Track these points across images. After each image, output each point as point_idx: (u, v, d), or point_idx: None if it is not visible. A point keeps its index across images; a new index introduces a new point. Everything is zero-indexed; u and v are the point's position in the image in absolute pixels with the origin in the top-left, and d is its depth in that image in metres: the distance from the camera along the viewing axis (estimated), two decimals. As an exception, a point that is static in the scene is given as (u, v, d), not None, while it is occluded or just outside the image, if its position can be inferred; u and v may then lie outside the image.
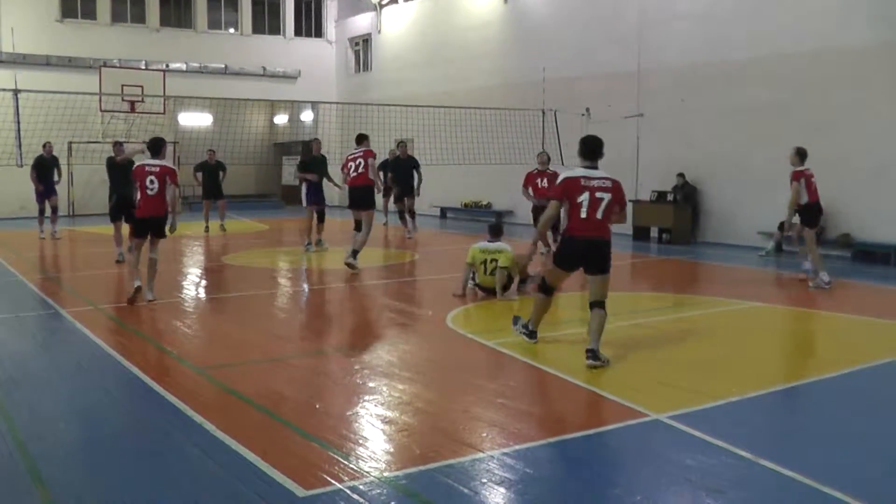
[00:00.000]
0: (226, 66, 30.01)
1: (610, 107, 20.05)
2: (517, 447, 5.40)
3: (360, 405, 6.41)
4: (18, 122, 15.47)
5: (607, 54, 20.86)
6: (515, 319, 8.70)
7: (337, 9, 32.79)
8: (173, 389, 6.73)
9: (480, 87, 24.72)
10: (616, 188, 7.82)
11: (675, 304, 11.42)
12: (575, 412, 6.39)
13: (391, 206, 21.40)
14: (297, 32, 32.42)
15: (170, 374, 7.55)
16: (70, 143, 23.14)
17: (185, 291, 12.35)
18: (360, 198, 13.95)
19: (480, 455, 5.24)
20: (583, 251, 7.77)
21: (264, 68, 30.79)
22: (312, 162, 16.60)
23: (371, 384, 7.01)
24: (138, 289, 10.46)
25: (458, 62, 26.20)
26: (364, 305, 11.63)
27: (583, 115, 19.42)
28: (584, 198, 7.65)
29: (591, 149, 7.93)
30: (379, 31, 30.34)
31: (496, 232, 11.50)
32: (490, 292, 11.14)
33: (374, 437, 5.67)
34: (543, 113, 20.34)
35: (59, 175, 18.23)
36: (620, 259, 15.98)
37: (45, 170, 17.54)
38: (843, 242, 16.13)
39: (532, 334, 8.40)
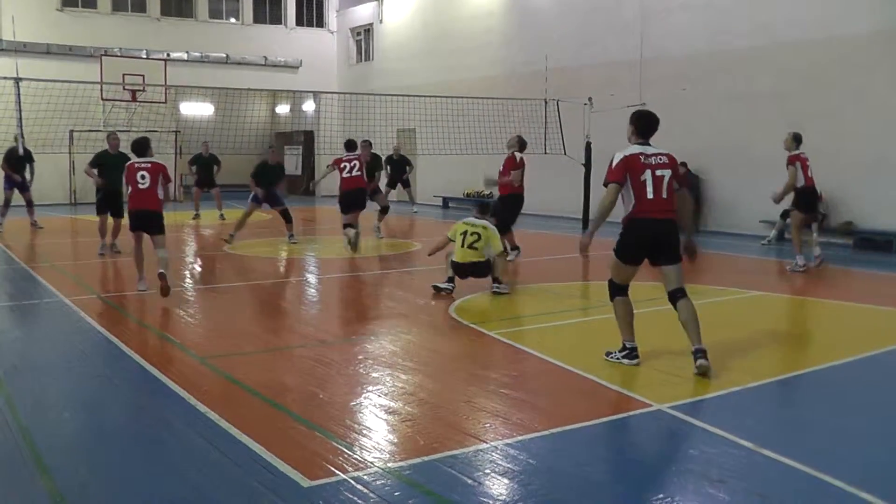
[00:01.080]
0: (227, 56, 29.99)
1: (612, 96, 19.99)
2: (520, 438, 5.41)
3: (364, 395, 6.42)
4: (20, 111, 15.44)
5: (609, 44, 20.84)
6: (608, 352, 7.44)
7: (338, -2, 32.77)
8: (176, 378, 6.75)
9: (482, 77, 24.68)
10: (672, 162, 7.19)
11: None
12: (578, 402, 6.39)
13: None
14: (299, 22, 32.39)
15: (173, 363, 7.55)
16: (71, 131, 23.12)
17: (187, 281, 12.36)
18: (356, 199, 14.72)
19: (484, 445, 5.25)
20: (657, 234, 7.04)
21: (265, 58, 30.78)
22: (264, 172, 16.34)
23: (374, 374, 7.01)
24: (161, 275, 10.18)
25: (460, 52, 26.16)
26: (367, 295, 11.64)
27: (585, 104, 19.38)
28: (646, 176, 6.97)
29: (649, 125, 7.23)
30: (381, 21, 30.29)
31: (483, 210, 11.38)
32: (464, 271, 10.87)
33: (378, 427, 5.68)
34: (546, 102, 20.28)
35: (32, 173, 17.81)
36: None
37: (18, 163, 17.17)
38: (844, 230, 16.14)
39: (632, 353, 7.30)
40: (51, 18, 27.07)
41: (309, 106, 32.45)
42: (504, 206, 13.21)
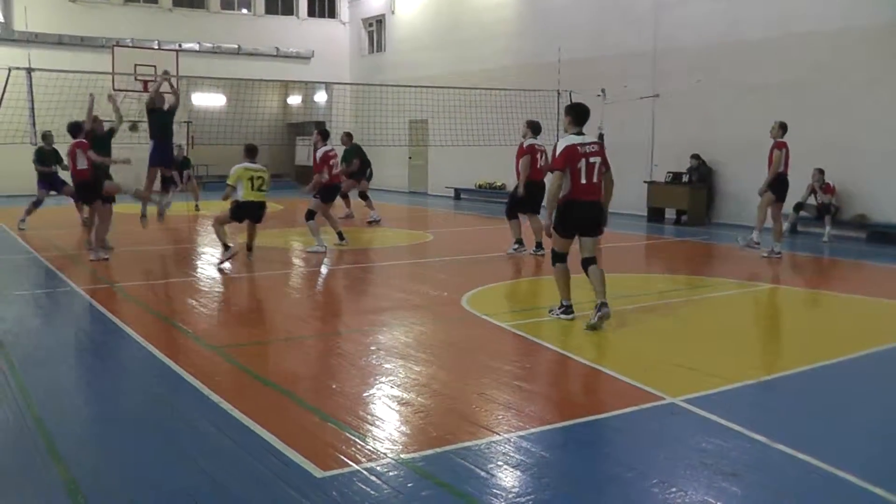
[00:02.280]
0: (239, 47, 29.98)
1: (626, 87, 19.95)
2: (533, 430, 5.40)
3: (376, 386, 6.42)
4: (32, 101, 15.48)
5: (623, 35, 20.76)
6: (550, 309, 8.85)
7: (351, -11, 32.74)
8: (189, 368, 6.76)
9: (495, 68, 24.62)
10: (601, 150, 8.42)
11: (690, 286, 11.38)
12: (590, 395, 6.38)
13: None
14: (311, 13, 32.36)
15: (185, 352, 7.57)
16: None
17: (199, 270, 12.39)
18: (335, 191, 14.73)
19: (496, 437, 5.24)
20: (587, 213, 8.33)
21: (277, 49, 30.76)
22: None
23: (387, 365, 7.01)
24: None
25: (472, 43, 26.10)
26: (379, 286, 11.63)
27: (598, 95, 19.31)
28: (581, 164, 8.21)
29: (582, 115, 8.48)
30: (393, 12, 30.24)
31: (252, 153, 12.46)
32: (249, 211, 12.21)
33: (391, 418, 5.68)
34: (559, 94, 20.22)
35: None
36: (635, 240, 16.03)
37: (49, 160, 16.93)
38: (858, 223, 16.06)
39: (568, 309, 8.64)
40: (63, 9, 27.10)
41: (321, 97, 32.44)
42: (526, 194, 13.10)
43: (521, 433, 5.33)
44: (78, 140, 12.54)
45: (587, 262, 8.45)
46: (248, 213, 12.38)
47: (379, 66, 30.73)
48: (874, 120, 15.81)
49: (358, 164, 18.53)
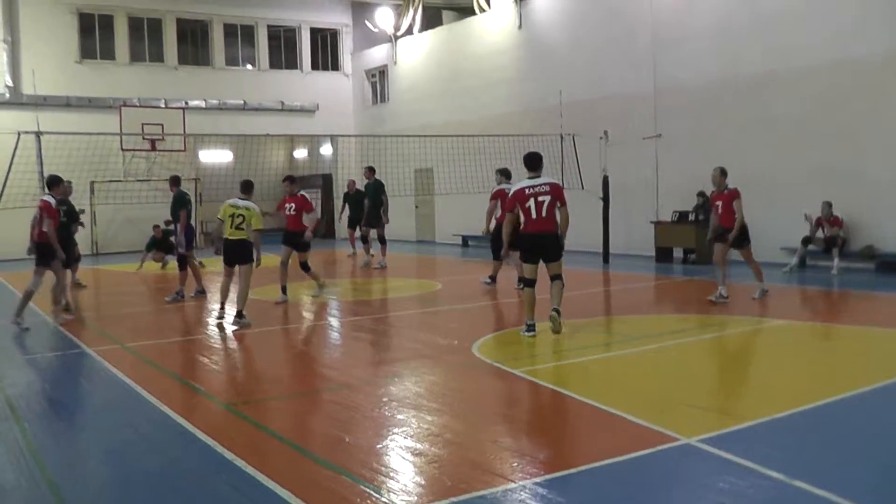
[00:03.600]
0: (244, 102, 30.28)
1: (628, 128, 20.06)
2: (548, 476, 5.38)
3: (389, 437, 6.41)
4: (41, 164, 15.60)
5: (623, 76, 20.92)
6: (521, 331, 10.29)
7: (353, 42, 33.09)
8: (202, 426, 6.75)
9: (497, 114, 24.79)
10: (554, 188, 10.05)
11: (701, 325, 11.35)
12: (605, 438, 6.35)
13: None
14: (314, 66, 32.71)
15: (198, 410, 7.57)
16: (92, 182, 23.37)
17: (208, 328, 12.41)
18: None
19: (511, 485, 5.22)
20: (538, 243, 10.00)
21: (282, 103, 31.05)
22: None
23: (399, 416, 7.00)
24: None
25: (474, 90, 26.31)
26: (389, 337, 11.62)
27: (601, 138, 19.43)
28: (530, 203, 9.91)
29: (533, 162, 10.26)
30: (395, 63, 30.55)
31: (244, 188, 12.37)
32: (231, 250, 12.00)
33: (405, 469, 5.66)
34: (562, 137, 20.35)
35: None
36: (644, 281, 16.03)
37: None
38: (866, 255, 16.02)
39: (530, 328, 10.13)
40: (70, 71, 27.45)
41: (326, 149, 32.67)
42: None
43: (537, 480, 5.30)
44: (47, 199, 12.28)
45: (553, 279, 10.20)
46: (227, 252, 12.13)
47: (383, 117, 30.99)
48: (878, 150, 15.86)
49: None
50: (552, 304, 10.13)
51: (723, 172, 12.89)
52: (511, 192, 10.25)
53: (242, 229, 11.97)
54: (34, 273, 12.27)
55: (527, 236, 10.10)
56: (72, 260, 14.73)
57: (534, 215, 9.94)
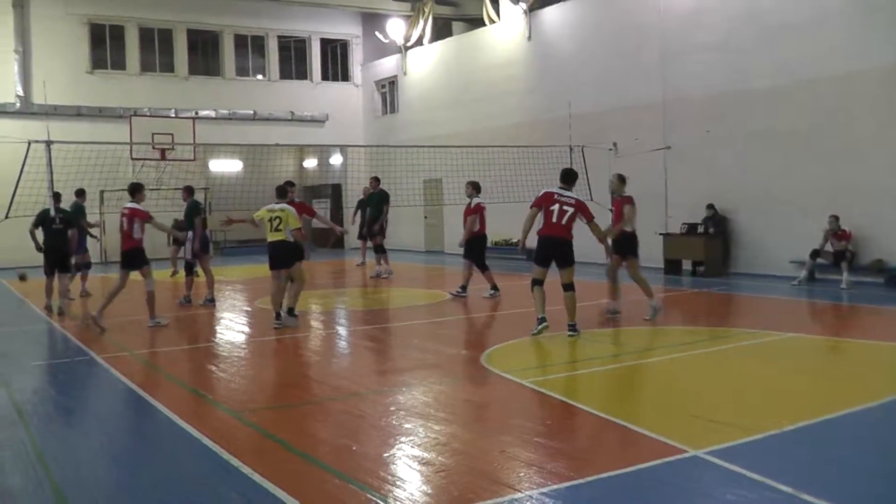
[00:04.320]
0: (254, 112, 30.37)
1: (637, 140, 20.06)
2: (555, 486, 5.36)
3: (397, 447, 6.40)
4: (51, 173, 15.64)
5: (631, 87, 20.92)
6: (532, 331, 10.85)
7: (363, 52, 33.19)
8: (210, 433, 6.75)
9: (507, 125, 24.82)
10: (578, 204, 10.77)
11: (710, 338, 11.31)
12: (613, 450, 6.33)
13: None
14: (324, 77, 32.80)
15: (205, 418, 7.57)
16: (102, 191, 23.41)
17: (218, 335, 12.42)
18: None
19: (518, 495, 5.21)
20: (550, 245, 10.67)
21: (292, 113, 31.13)
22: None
23: (407, 425, 7.00)
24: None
25: (483, 101, 26.35)
26: (398, 346, 11.62)
27: (610, 149, 19.44)
28: (554, 207, 10.62)
29: (568, 177, 11.10)
30: (405, 73, 30.61)
31: (279, 193, 12.78)
32: (274, 251, 12.38)
33: (412, 478, 5.65)
34: (571, 149, 20.34)
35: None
36: (654, 293, 15.97)
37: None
38: (875, 268, 15.95)
39: (541, 321, 10.73)
40: (81, 81, 27.57)
41: (336, 159, 32.74)
42: (472, 247, 15.67)
43: (544, 490, 5.29)
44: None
45: (565, 288, 10.76)
46: (271, 256, 12.54)
47: (392, 127, 31.03)
48: (886, 163, 15.80)
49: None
50: (568, 318, 10.74)
51: (620, 178, 12.74)
52: (542, 193, 10.94)
53: (280, 230, 12.33)
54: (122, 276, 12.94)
55: (542, 238, 10.81)
56: (69, 266, 15.28)
57: (553, 219, 10.62)
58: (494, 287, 15.41)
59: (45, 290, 14.86)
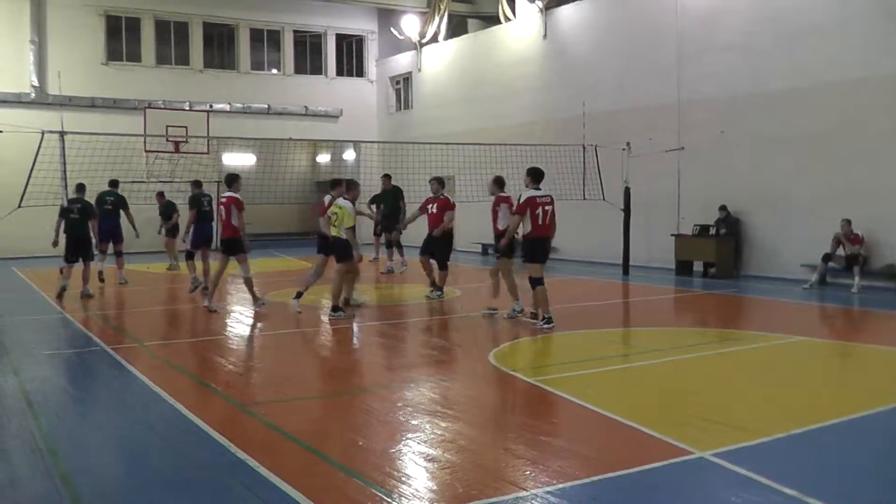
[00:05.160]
0: (268, 106, 30.39)
1: (651, 140, 19.99)
2: (560, 485, 5.36)
3: (403, 442, 6.41)
4: (64, 163, 15.69)
5: (647, 88, 20.85)
6: (536, 325, 11.57)
7: (378, 48, 33.16)
8: (217, 426, 6.78)
9: (521, 123, 24.77)
10: (552, 201, 11.66)
11: (720, 339, 11.30)
12: (618, 450, 6.33)
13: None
14: (339, 72, 32.78)
15: (213, 410, 7.60)
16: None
17: (228, 329, 12.45)
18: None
19: (523, 493, 5.21)
20: (544, 245, 11.65)
21: (306, 108, 31.14)
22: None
23: (414, 421, 7.00)
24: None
25: (498, 99, 26.31)
26: (406, 342, 11.64)
27: (623, 149, 19.38)
28: (539, 211, 11.39)
29: (539, 175, 11.79)
30: (419, 70, 30.60)
31: (332, 185, 13.34)
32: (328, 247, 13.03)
33: (417, 474, 5.66)
34: (584, 148, 20.29)
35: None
36: (664, 294, 15.98)
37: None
38: (888, 273, 15.88)
39: (548, 321, 11.39)
40: (96, 72, 27.63)
41: (349, 155, 32.75)
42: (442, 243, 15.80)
43: (549, 489, 5.29)
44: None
45: (539, 283, 11.48)
46: (327, 246, 13.18)
47: (406, 124, 31.02)
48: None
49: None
50: (543, 311, 11.50)
51: (495, 181, 13.07)
52: (523, 198, 11.49)
53: (336, 227, 12.56)
54: (220, 260, 13.62)
55: (536, 239, 11.52)
56: (91, 254, 15.58)
57: (541, 221, 11.43)
58: (440, 289, 15.35)
59: (82, 277, 15.19)
